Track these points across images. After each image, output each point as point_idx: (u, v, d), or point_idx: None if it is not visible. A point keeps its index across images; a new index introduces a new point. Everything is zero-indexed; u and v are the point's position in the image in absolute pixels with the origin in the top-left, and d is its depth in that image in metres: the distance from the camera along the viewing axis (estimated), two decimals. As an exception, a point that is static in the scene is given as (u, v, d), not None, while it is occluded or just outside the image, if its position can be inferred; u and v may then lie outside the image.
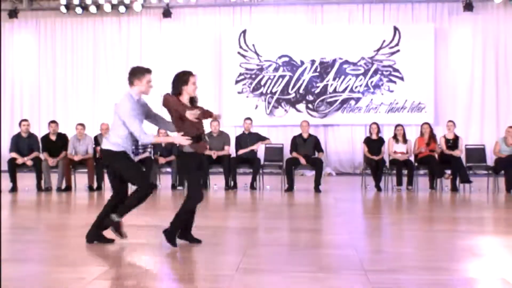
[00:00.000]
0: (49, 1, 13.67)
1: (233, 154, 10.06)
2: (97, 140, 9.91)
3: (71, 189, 9.47)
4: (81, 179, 9.85)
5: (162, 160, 9.90)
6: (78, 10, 13.42)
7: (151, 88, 4.99)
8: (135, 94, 4.90)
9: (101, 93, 13.86)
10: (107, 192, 9.43)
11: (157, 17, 13.70)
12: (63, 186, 9.48)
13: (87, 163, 9.59)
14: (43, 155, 9.64)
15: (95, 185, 9.57)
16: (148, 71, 4.94)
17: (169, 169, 10.22)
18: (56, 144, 9.73)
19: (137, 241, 5.05)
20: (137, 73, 4.93)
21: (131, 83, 4.94)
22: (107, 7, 13.28)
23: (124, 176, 4.92)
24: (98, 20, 13.90)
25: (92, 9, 13.36)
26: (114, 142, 4.81)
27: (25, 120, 9.94)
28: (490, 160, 10.20)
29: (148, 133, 4.86)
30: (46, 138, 9.80)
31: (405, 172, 9.66)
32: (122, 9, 13.33)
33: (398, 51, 13.10)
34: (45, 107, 14.03)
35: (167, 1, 13.19)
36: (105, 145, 4.87)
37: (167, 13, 13.38)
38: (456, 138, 9.83)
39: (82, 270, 4.04)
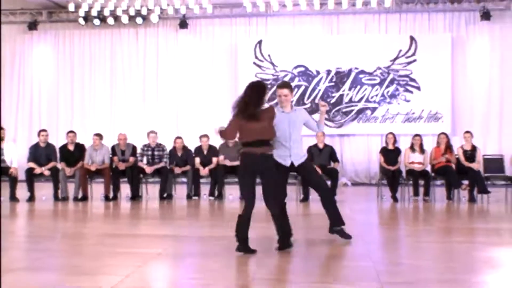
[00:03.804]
0: (68, 14, 13.85)
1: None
2: (114, 150, 9.98)
3: (88, 199, 9.54)
4: (97, 189, 9.92)
5: (177, 170, 9.93)
6: (96, 22, 13.56)
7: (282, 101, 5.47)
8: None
9: (118, 104, 13.98)
10: (123, 201, 9.49)
11: (174, 28, 13.81)
12: (80, 195, 9.55)
13: (104, 173, 9.66)
14: (60, 165, 9.74)
15: (111, 194, 9.62)
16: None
17: (184, 179, 10.24)
18: (74, 154, 9.82)
19: (153, 250, 5.07)
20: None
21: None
22: (125, 19, 13.42)
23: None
24: (115, 32, 14.05)
25: (110, 20, 13.50)
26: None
27: (44, 130, 10.05)
28: (509, 171, 10.06)
29: None
30: (64, 148, 9.90)
31: (422, 182, 9.57)
32: (139, 20, 13.46)
33: (414, 60, 13.03)
34: (63, 118, 14.17)
35: (184, 12, 13.29)
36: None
37: (183, 24, 13.49)
38: (473, 149, 9.73)
39: (99, 279, 4.06)
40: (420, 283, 3.99)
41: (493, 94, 12.96)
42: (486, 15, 12.57)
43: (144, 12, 13.32)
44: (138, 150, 10.09)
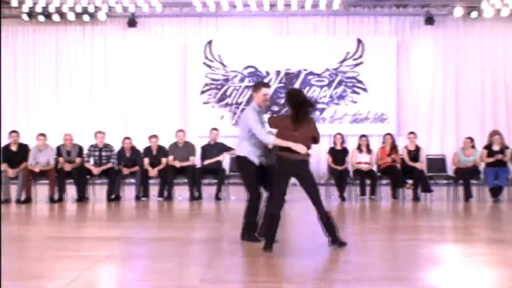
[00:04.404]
0: (11, 9, 13.36)
1: (198, 165, 10.03)
2: (59, 151, 9.73)
3: (31, 201, 9.24)
4: (42, 190, 9.63)
5: (125, 171, 9.78)
6: (41, 18, 13.15)
7: (266, 101, 5.56)
8: (255, 105, 5.51)
9: (64, 103, 13.61)
10: (69, 203, 9.26)
11: (122, 26, 13.55)
12: (23, 197, 9.24)
13: (48, 174, 9.40)
14: (2, 166, 9.39)
15: (56, 196, 9.37)
16: (264, 85, 5.60)
17: (132, 180, 10.09)
18: (17, 154, 9.50)
19: (101, 253, 4.98)
20: (254, 87, 5.60)
21: (251, 96, 5.67)
22: (71, 16, 13.07)
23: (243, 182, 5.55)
24: (61, 29, 13.67)
25: (55, 17, 13.12)
26: (240, 148, 5.52)
27: (-15, 130, 9.69)
28: (450, 170, 10.44)
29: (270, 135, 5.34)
30: (6, 148, 9.56)
31: (368, 182, 9.80)
32: (86, 18, 13.14)
33: (361, 63, 13.31)
34: (6, 117, 13.65)
35: (133, 10, 13.08)
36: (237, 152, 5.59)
37: (132, 23, 13.26)
38: (417, 149, 10.04)
39: (43, 283, 3.96)
40: (367, 280, 4.09)
41: (436, 96, 13.42)
42: (429, 20, 13.00)
43: (91, 9, 13.02)
44: (85, 151, 9.88)
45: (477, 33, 13.33)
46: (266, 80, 13.30)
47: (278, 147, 5.24)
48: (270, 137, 5.38)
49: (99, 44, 13.68)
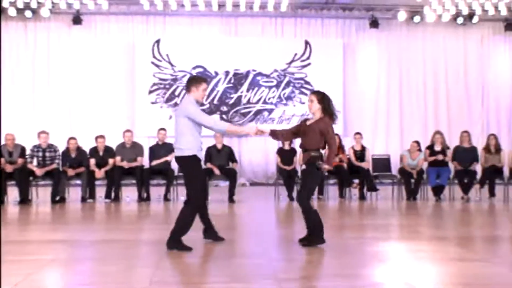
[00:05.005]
0: None
1: (146, 165, 9.90)
2: (0, 151, 9.37)
3: (-29, 204, 8.89)
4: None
5: (71, 172, 9.53)
6: (-20, 13, 12.67)
7: (204, 97, 5.44)
8: (193, 99, 5.25)
9: (5, 102, 13.05)
10: (11, 206, 8.95)
11: (67, 23, 13.19)
12: (-38, 200, 8.87)
13: (-12, 176, 9.06)
14: None
15: (-3, 198, 9.05)
16: (205, 80, 5.45)
17: (78, 181, 9.83)
18: (-46, 155, 9.11)
19: (45, 257, 4.84)
20: (194, 81, 5.33)
21: (188, 90, 5.28)
22: (12, 11, 12.62)
23: (185, 181, 5.29)
24: (1, 25, 13.16)
25: (-5, 12, 12.67)
26: (185, 147, 5.13)
27: None
28: (395, 170, 10.72)
29: (221, 123, 5.20)
30: None
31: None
32: (28, 13, 12.72)
33: (309, 64, 13.51)
34: None
35: (77, 7, 12.76)
36: (177, 153, 5.21)
37: (77, 20, 12.93)
38: (363, 149, 10.28)
39: (-17, 289, 3.81)
40: (315, 278, 4.16)
41: (380, 97, 13.78)
42: (374, 23, 13.34)
43: (34, 5, 12.61)
44: (28, 151, 9.57)
45: (420, 37, 13.80)
46: (215, 80, 13.31)
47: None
48: (221, 124, 5.35)
49: (42, 41, 13.27)
